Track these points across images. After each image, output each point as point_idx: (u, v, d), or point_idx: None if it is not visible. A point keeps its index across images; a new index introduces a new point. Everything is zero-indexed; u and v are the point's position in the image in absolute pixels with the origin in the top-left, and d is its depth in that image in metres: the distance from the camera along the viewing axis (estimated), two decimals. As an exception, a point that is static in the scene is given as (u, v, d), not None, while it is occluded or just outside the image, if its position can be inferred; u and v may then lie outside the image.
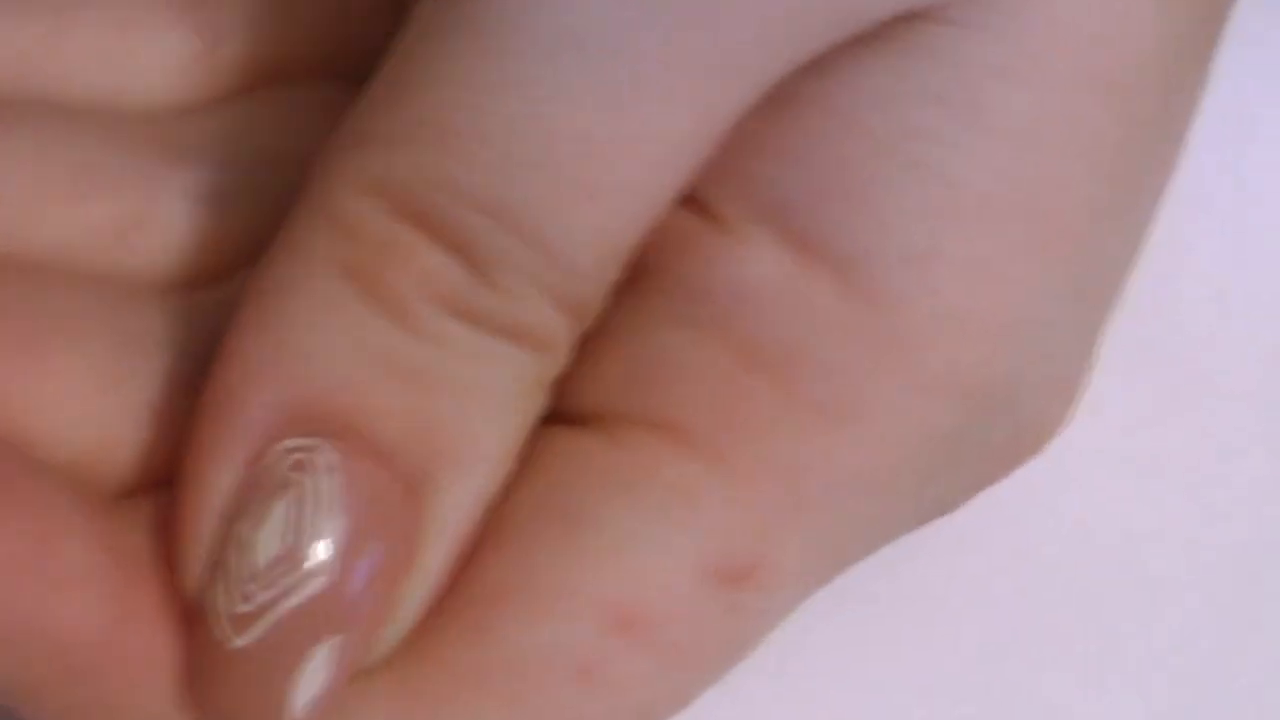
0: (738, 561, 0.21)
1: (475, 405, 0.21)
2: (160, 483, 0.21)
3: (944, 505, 0.23)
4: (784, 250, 0.21)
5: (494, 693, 0.21)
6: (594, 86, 0.20)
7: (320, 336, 0.20)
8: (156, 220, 0.23)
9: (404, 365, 0.20)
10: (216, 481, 0.20)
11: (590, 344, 0.22)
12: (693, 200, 0.21)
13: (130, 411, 0.21)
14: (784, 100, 0.21)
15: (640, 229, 0.21)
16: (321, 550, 0.20)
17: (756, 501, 0.21)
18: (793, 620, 0.26)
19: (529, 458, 0.22)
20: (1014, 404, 0.22)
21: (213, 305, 0.22)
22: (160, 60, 0.24)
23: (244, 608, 0.20)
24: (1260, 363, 0.28)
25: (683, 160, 0.21)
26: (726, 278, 0.21)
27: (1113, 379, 0.28)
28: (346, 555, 0.20)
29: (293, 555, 0.20)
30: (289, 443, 0.20)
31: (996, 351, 0.21)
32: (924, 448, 0.21)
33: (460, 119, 0.20)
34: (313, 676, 0.20)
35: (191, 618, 0.20)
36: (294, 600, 0.20)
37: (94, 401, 0.21)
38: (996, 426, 0.22)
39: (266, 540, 0.20)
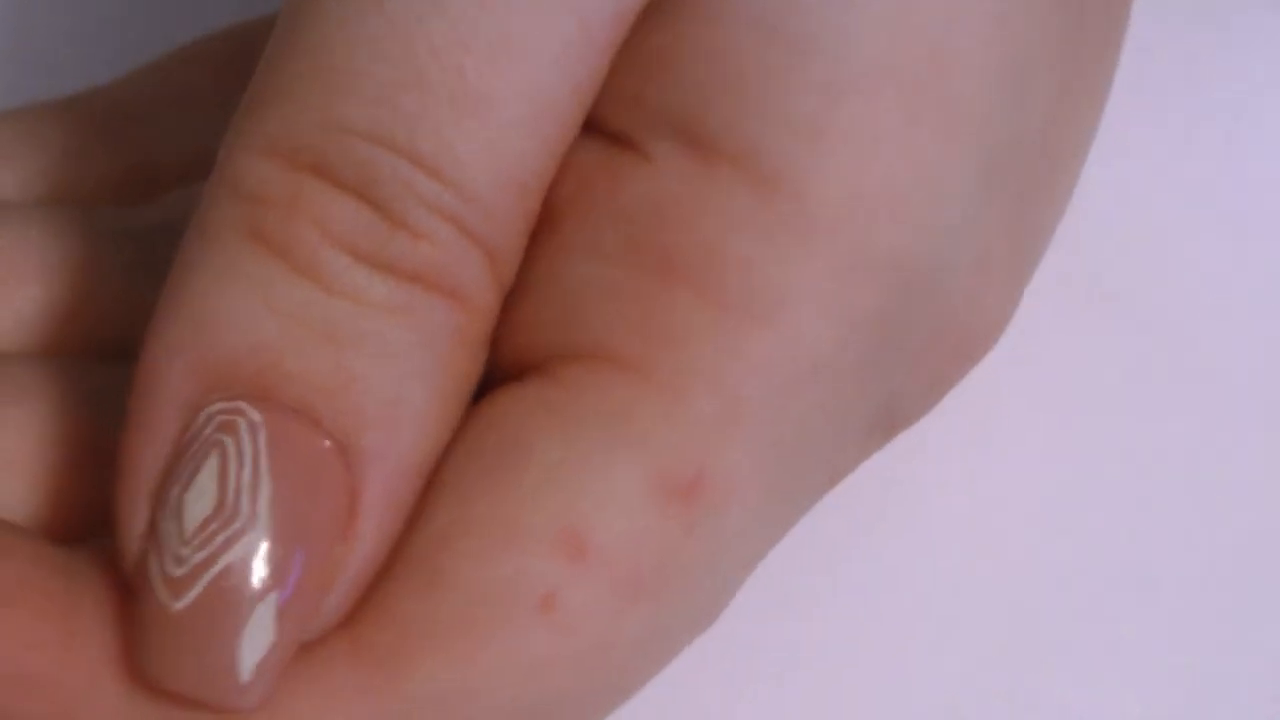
0: (682, 475, 0.21)
1: (398, 361, 0.21)
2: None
3: (903, 407, 0.23)
4: (686, 158, 0.21)
5: (454, 640, 0.21)
6: None
7: (230, 301, 0.20)
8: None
9: (318, 322, 0.20)
10: (145, 455, 0.20)
11: (516, 298, 0.22)
12: (597, 130, 0.21)
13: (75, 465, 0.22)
14: (662, 6, 0.21)
15: (537, 146, 0.21)
16: (248, 507, 0.20)
17: (692, 413, 0.21)
18: (794, 621, 0.26)
19: (473, 415, 0.22)
20: (936, 285, 0.22)
21: None
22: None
23: (178, 571, 0.20)
24: (1260, 362, 0.28)
25: (570, 68, 0.21)
26: (635, 196, 0.21)
27: (1113, 379, 0.28)
28: (276, 510, 0.20)
29: (221, 514, 0.20)
30: (213, 407, 0.20)
31: (907, 226, 0.21)
32: (853, 334, 0.21)
33: (335, 58, 0.20)
34: (257, 637, 0.20)
35: (132, 591, 0.20)
36: (227, 559, 0.20)
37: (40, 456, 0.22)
38: (924, 309, 0.22)
39: (195, 502, 0.20)
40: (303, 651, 0.21)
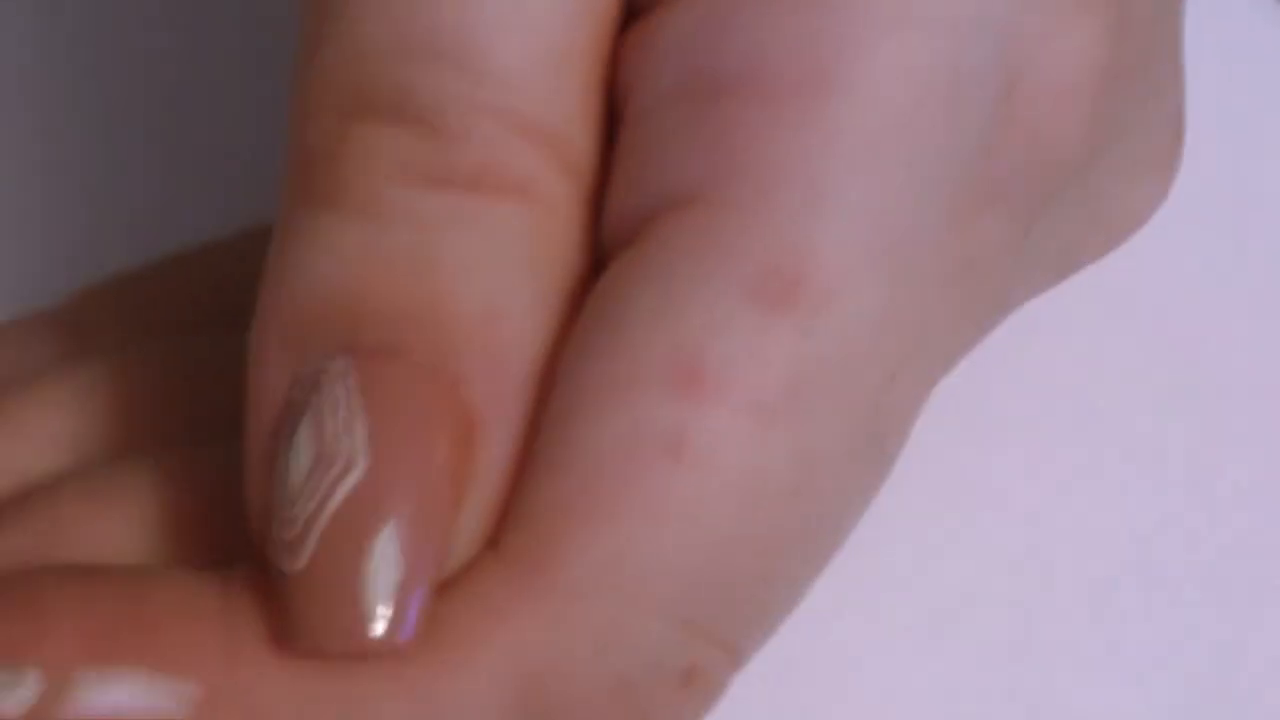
0: (779, 278, 0.20)
1: (480, 272, 0.20)
2: None
3: (1031, 180, 0.21)
4: None
5: (591, 510, 0.20)
6: None
7: (299, 264, 0.20)
8: None
9: (388, 254, 0.20)
10: (256, 441, 0.20)
11: (612, 177, 0.21)
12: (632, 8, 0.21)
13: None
14: None
15: (563, 14, 0.20)
16: (346, 446, 0.19)
17: (771, 213, 0.20)
18: (793, 620, 0.26)
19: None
20: (1011, 30, 0.20)
21: None
22: None
23: (291, 531, 0.19)
24: (1261, 363, 0.28)
25: None
26: (670, 38, 0.21)
27: (1114, 379, 0.28)
28: (374, 443, 0.19)
29: (322, 463, 0.19)
30: (304, 371, 0.20)
31: None
32: (927, 88, 0.20)
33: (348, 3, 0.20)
34: (383, 573, 0.19)
35: (264, 568, 0.20)
36: (332, 504, 0.19)
37: None
38: (1003, 61, 0.20)
39: (296, 460, 0.20)
40: (456, 579, 0.20)
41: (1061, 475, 0.27)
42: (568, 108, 0.21)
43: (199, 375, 0.24)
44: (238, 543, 0.21)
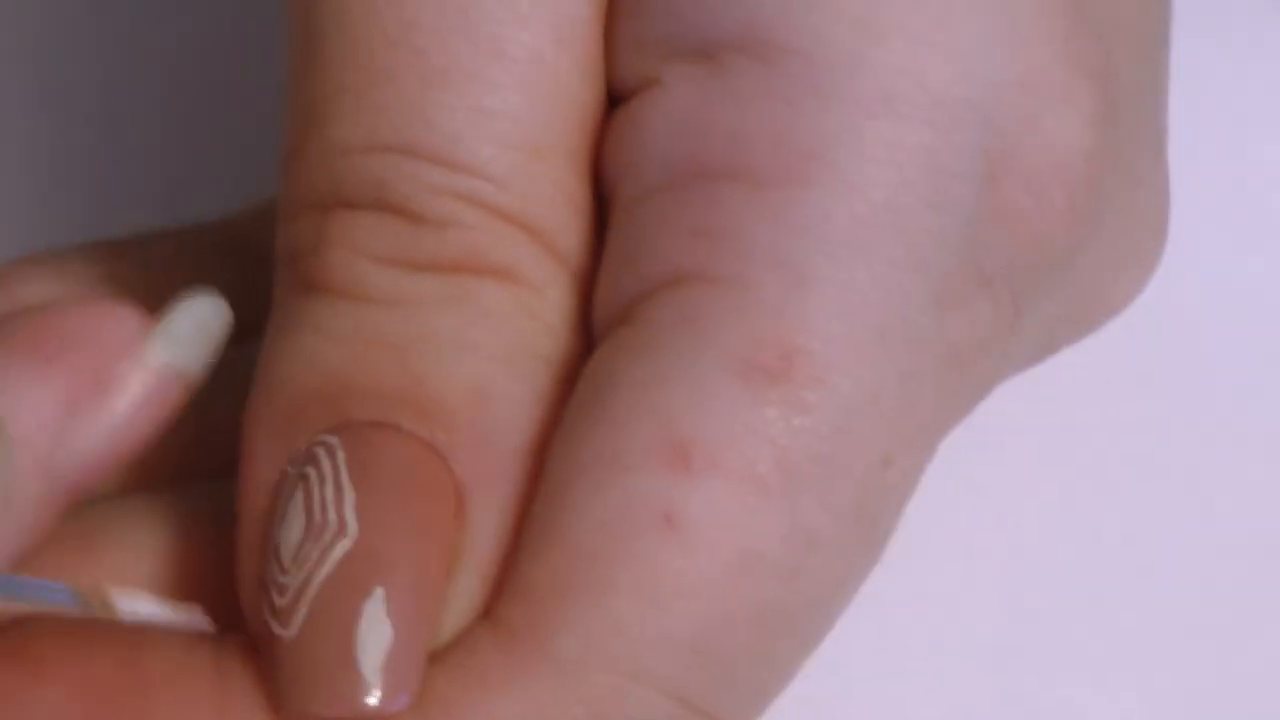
0: (768, 357, 0.20)
1: (466, 351, 0.20)
2: None
3: (1005, 257, 0.21)
4: (692, 65, 0.21)
5: (584, 587, 0.20)
6: None
7: (291, 349, 0.21)
8: None
9: (376, 335, 0.20)
10: (248, 519, 0.21)
11: (603, 265, 0.21)
12: (615, 91, 0.21)
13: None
14: None
15: (532, 103, 0.21)
16: (335, 517, 0.20)
17: (761, 295, 0.20)
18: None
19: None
20: (986, 113, 0.20)
21: None
22: None
23: (283, 600, 0.20)
24: (1263, 364, 0.28)
25: (541, 17, 0.20)
26: (657, 123, 0.21)
27: (1116, 380, 0.28)
28: (362, 514, 0.20)
29: (312, 534, 0.20)
30: (298, 451, 0.20)
31: (926, 52, 0.20)
32: (903, 172, 0.20)
33: (313, 91, 0.21)
34: (374, 636, 0.20)
35: (256, 639, 0.20)
36: (323, 571, 0.20)
37: None
38: (980, 142, 0.20)
39: (286, 532, 0.20)
40: (449, 649, 0.20)
41: (1062, 475, 0.27)
42: (549, 196, 0.21)
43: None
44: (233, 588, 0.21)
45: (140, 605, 0.20)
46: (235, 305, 0.23)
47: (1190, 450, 0.27)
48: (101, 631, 0.20)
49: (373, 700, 0.19)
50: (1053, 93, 0.21)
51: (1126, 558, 0.27)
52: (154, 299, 0.22)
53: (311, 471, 0.20)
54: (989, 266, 0.21)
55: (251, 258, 0.24)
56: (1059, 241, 0.21)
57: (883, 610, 0.26)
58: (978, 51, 0.20)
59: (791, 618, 0.20)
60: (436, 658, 0.20)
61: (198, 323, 0.21)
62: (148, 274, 0.24)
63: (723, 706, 0.20)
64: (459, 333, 0.20)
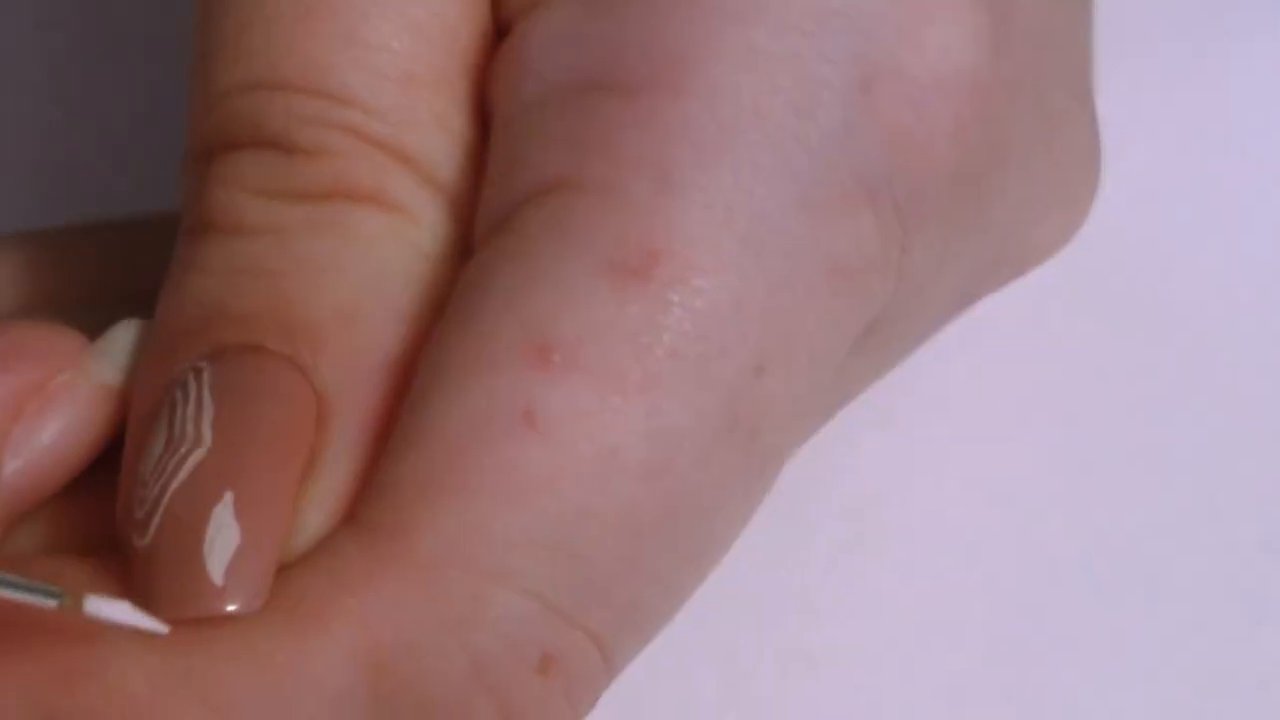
0: (632, 258, 0.20)
1: (337, 275, 0.21)
2: None
3: (887, 175, 0.21)
4: None
5: (446, 485, 0.20)
6: None
7: (176, 288, 0.21)
8: None
9: (250, 264, 0.21)
10: (129, 451, 0.21)
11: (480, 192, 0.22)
12: (501, 24, 0.22)
13: None
14: None
15: (404, 33, 0.21)
16: (192, 431, 0.20)
17: (627, 198, 0.20)
18: (794, 619, 0.26)
19: None
20: (865, 28, 0.21)
21: None
22: None
23: (140, 511, 0.20)
24: (1264, 361, 0.28)
25: None
26: (536, 41, 0.21)
27: (1116, 377, 0.28)
28: (218, 426, 0.20)
29: (170, 447, 0.20)
30: (174, 375, 0.21)
31: None
32: (778, 85, 0.20)
33: (205, 49, 0.21)
34: (221, 539, 0.20)
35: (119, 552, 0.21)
36: (177, 481, 0.20)
37: None
38: (844, 46, 0.21)
39: (151, 450, 0.20)
40: (308, 551, 0.20)
41: (1064, 473, 0.27)
42: (424, 123, 0.21)
43: None
44: None
45: (105, 609, 0.20)
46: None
47: (1190, 449, 0.27)
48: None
49: (219, 599, 0.20)
50: (935, 7, 0.21)
51: (1126, 557, 0.26)
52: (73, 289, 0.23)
53: (178, 393, 0.20)
54: (869, 179, 0.21)
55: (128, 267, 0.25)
56: (947, 159, 0.21)
57: (883, 609, 0.26)
58: None
59: (659, 523, 0.20)
60: (300, 560, 0.20)
61: (133, 345, 0.22)
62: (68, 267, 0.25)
63: (593, 616, 0.20)
64: (328, 258, 0.21)
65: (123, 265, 0.25)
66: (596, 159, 0.20)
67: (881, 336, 0.22)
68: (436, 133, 0.21)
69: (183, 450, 0.20)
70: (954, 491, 0.27)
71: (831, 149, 0.21)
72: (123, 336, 0.22)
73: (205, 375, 0.20)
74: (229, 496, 0.20)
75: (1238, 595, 0.26)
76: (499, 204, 0.21)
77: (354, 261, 0.21)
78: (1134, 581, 0.26)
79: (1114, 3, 0.25)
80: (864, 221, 0.21)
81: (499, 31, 0.22)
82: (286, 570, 0.20)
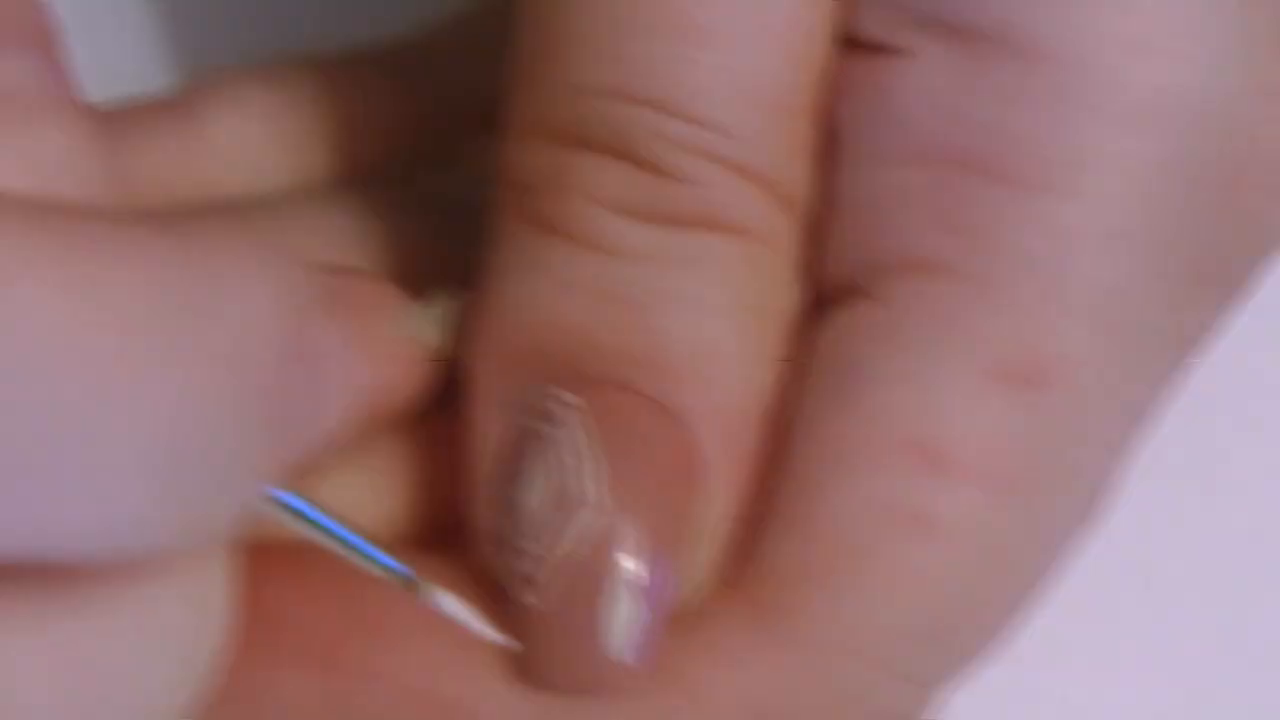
0: (1020, 362, 0.21)
1: (702, 310, 0.21)
2: None
3: (1230, 255, 0.22)
4: (947, 46, 0.21)
5: (835, 577, 0.21)
6: None
7: (525, 289, 0.21)
8: None
9: (615, 290, 0.21)
10: (478, 461, 0.21)
11: (822, 219, 0.22)
12: (858, 44, 0.21)
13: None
14: None
15: (782, 64, 0.21)
16: (582, 489, 0.20)
17: (1015, 299, 0.21)
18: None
19: (807, 350, 0.22)
20: (1225, 118, 0.21)
21: None
22: None
23: (526, 566, 0.20)
24: (1265, 360, 0.28)
25: None
26: (907, 95, 0.21)
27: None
28: (614, 487, 0.20)
29: (556, 499, 0.20)
30: (532, 398, 0.21)
31: (1178, 63, 0.21)
32: (1154, 185, 0.21)
33: (570, 33, 0.21)
34: (623, 614, 0.20)
35: (495, 595, 0.21)
36: (568, 541, 0.20)
37: None
38: (1218, 146, 0.21)
39: (530, 493, 0.20)
40: (691, 620, 0.21)
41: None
42: (785, 153, 0.21)
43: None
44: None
45: (459, 611, 0.21)
46: (406, 136, 0.24)
47: (1190, 448, 0.27)
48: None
49: (619, 678, 0.20)
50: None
51: (1126, 556, 0.27)
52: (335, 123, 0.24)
53: (551, 431, 0.20)
54: (1223, 262, 0.22)
55: (423, 93, 0.25)
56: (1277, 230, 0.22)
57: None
58: (1225, 65, 0.21)
59: (1015, 601, 0.22)
60: (681, 631, 0.20)
61: (456, 317, 0.22)
62: (320, 103, 0.25)
63: (936, 677, 0.22)
64: (699, 294, 0.21)
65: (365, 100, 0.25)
66: (980, 250, 0.21)
67: None
68: (800, 161, 0.21)
69: (571, 507, 0.20)
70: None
71: (1202, 248, 0.21)
72: (446, 305, 0.22)
73: (580, 418, 0.20)
74: (626, 567, 0.20)
75: (1237, 595, 0.26)
76: (863, 258, 0.21)
77: (724, 300, 0.21)
78: (1134, 582, 0.26)
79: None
80: (1215, 300, 0.22)
81: (850, 43, 0.21)
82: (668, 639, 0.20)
